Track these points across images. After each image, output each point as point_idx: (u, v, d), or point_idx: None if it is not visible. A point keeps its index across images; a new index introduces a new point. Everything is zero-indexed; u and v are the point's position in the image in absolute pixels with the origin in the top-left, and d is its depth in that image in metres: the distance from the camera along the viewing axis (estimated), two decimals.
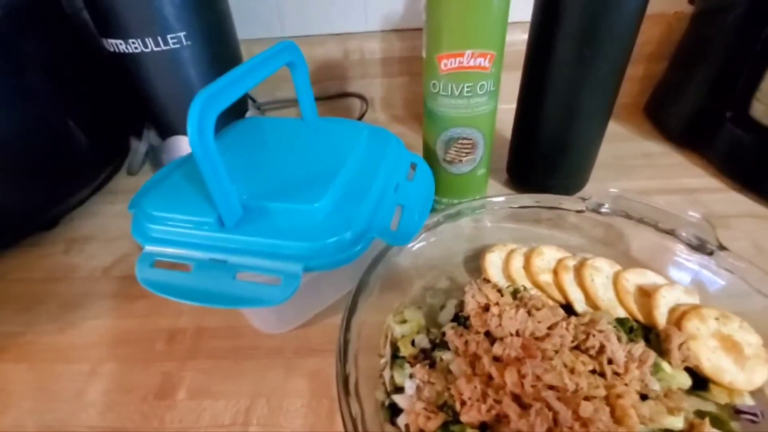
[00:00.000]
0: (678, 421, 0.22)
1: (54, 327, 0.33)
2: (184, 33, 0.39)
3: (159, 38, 0.39)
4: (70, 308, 0.35)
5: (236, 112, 0.49)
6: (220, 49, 0.44)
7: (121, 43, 0.40)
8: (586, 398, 0.21)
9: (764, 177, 0.40)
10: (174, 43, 0.39)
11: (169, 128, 0.46)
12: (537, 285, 0.31)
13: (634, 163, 0.47)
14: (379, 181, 0.29)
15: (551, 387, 0.22)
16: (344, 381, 0.22)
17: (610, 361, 0.24)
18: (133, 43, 0.39)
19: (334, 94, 0.60)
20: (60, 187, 0.43)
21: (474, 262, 0.35)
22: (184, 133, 0.31)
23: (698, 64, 0.47)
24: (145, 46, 0.39)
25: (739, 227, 0.38)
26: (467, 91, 0.32)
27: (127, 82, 0.43)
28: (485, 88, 0.32)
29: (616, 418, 0.21)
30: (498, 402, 0.22)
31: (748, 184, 0.41)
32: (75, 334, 0.33)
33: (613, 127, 0.53)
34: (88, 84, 0.46)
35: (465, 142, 0.35)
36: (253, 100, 0.57)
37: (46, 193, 0.42)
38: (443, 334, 0.27)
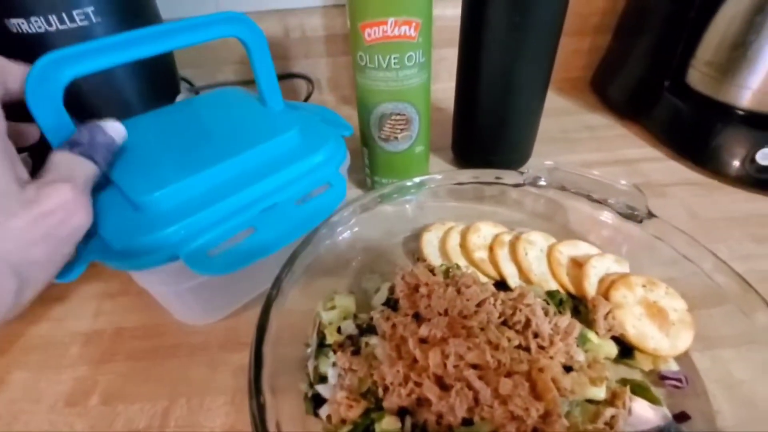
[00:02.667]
0: (600, 392, 0.22)
1: None
2: (92, 8, 0.36)
3: (63, 14, 0.35)
4: None
5: (167, 95, 0.45)
6: (136, 26, 0.40)
7: (23, 23, 0.36)
8: (509, 374, 0.21)
9: (699, 143, 0.40)
10: (81, 20, 0.36)
11: (84, 113, 0.43)
12: (472, 262, 0.30)
13: (578, 137, 0.47)
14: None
15: (474, 365, 0.21)
16: (256, 370, 0.21)
17: (535, 335, 0.23)
18: (36, 21, 0.35)
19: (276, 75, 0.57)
20: None
21: (414, 243, 0.34)
22: (101, 117, 0.29)
23: (639, 34, 0.47)
24: (49, 24, 0.35)
25: (675, 194, 0.38)
26: (395, 63, 0.30)
27: None
28: (414, 59, 0.31)
29: (537, 393, 0.20)
30: (419, 385, 0.21)
31: (684, 151, 0.42)
32: None
33: (559, 101, 0.53)
34: None
35: (398, 117, 0.33)
36: (190, 84, 0.54)
37: None
38: (371, 318, 0.26)
